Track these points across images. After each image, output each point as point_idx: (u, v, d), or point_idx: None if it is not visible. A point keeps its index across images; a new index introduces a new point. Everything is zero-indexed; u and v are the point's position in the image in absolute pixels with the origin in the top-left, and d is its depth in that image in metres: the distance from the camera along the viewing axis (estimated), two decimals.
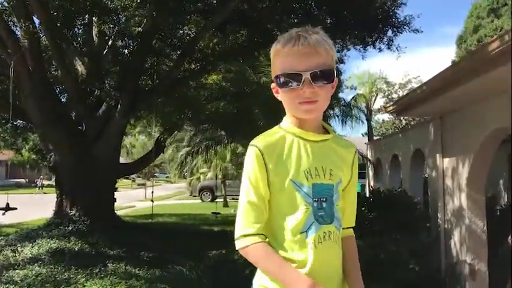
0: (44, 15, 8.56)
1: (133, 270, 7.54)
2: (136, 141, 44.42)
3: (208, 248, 9.59)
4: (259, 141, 1.42)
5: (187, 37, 10.18)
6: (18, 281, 6.87)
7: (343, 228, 1.51)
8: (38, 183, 34.16)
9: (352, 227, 1.59)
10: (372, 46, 11.03)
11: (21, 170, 43.30)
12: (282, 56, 1.39)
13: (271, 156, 1.39)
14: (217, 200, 23.67)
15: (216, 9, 9.43)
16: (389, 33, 10.80)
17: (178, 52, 10.22)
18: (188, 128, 17.07)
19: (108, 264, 7.73)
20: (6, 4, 9.12)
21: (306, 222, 1.35)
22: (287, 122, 1.47)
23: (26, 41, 9.07)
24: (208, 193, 25.26)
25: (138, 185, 37.50)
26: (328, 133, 1.50)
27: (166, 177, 52.64)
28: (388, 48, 10.96)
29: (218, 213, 15.74)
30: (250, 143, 1.42)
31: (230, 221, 14.95)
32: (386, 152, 11.51)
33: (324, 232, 1.38)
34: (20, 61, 8.88)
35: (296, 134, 1.43)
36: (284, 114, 1.50)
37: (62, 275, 7.15)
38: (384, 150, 11.91)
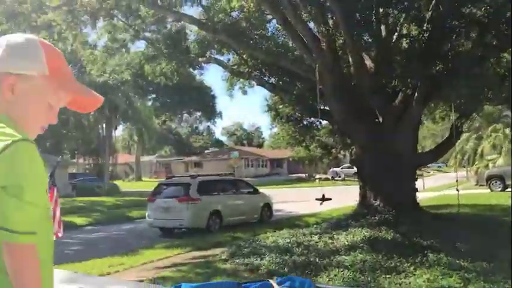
0: (344, 17, 9.05)
1: (457, 262, 7.22)
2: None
3: None
4: None
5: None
6: (348, 266, 7.38)
7: None
8: (316, 176, 37.07)
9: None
10: None
11: (300, 166, 47.64)
12: None
13: None
14: (508, 190, 21.18)
15: None
16: None
17: (477, 29, 9.41)
18: None
19: (429, 255, 7.60)
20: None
21: None
22: None
23: (324, 43, 9.79)
24: (498, 182, 22.81)
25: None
26: None
27: (438, 166, 50.24)
28: None
29: None
30: None
31: None
32: None
33: None
34: (323, 63, 9.62)
35: None
36: None
37: (387, 263, 7.36)
38: None
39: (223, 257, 8.98)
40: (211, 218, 13.31)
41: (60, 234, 5.42)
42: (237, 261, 8.42)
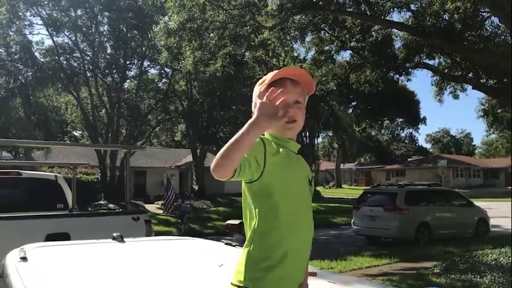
0: None
1: None
2: None
3: None
4: None
5: None
6: None
7: None
8: None
9: None
10: None
11: None
12: None
13: None
14: None
15: None
16: None
17: None
18: None
19: None
20: None
21: None
22: None
23: None
24: None
25: None
26: None
27: None
28: None
29: None
30: None
31: None
32: None
33: None
34: None
35: None
36: None
37: None
38: None
39: (436, 271, 8.58)
40: (420, 230, 12.78)
41: None
42: (453, 276, 7.95)
